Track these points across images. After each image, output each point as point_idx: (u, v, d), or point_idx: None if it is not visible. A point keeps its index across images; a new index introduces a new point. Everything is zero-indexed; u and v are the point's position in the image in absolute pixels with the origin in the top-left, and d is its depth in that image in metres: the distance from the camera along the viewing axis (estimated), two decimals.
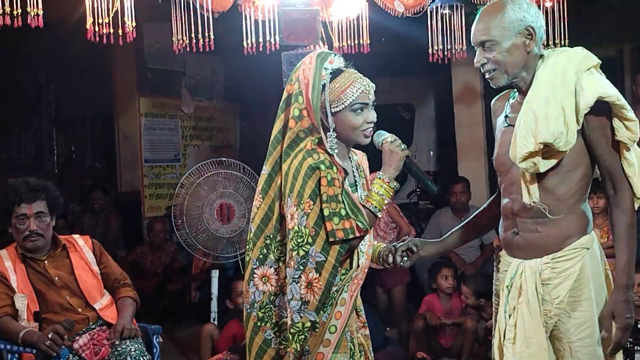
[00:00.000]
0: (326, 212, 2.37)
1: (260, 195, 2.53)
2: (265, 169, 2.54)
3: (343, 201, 2.40)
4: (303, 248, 2.37)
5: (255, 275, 2.52)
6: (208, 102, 8.95)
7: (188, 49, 4.56)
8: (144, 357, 3.53)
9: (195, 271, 6.35)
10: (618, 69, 7.73)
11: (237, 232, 5.10)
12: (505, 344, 2.55)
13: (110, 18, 4.12)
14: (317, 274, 2.38)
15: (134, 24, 4.18)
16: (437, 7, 5.30)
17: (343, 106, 2.48)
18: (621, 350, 2.56)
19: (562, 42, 5.07)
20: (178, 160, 8.45)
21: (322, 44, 5.11)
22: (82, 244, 3.84)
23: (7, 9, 3.61)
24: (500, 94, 2.75)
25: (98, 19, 4.09)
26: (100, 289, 3.77)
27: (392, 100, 9.05)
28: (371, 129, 2.55)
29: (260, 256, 2.51)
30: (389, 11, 5.21)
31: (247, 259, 2.55)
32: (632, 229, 2.48)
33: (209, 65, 8.83)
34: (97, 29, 4.12)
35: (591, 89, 2.42)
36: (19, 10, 3.66)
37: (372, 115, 2.53)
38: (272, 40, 4.78)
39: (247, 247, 2.56)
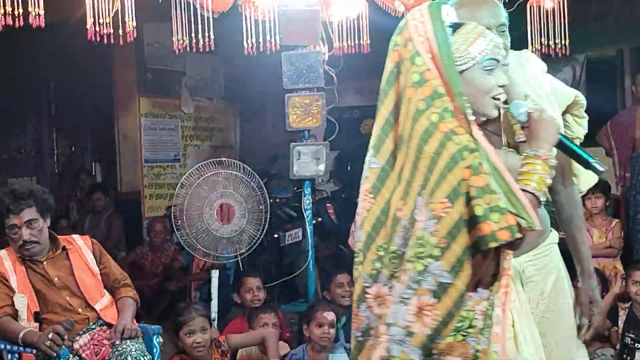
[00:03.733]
0: (479, 212, 1.80)
1: (371, 195, 2.00)
2: (376, 162, 2.00)
3: (499, 187, 1.84)
4: (422, 261, 1.85)
5: (368, 296, 2.00)
6: (208, 102, 8.94)
7: (188, 49, 4.56)
8: (144, 357, 3.53)
9: (196, 271, 6.35)
10: (618, 69, 7.72)
11: (237, 232, 5.09)
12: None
13: (111, 18, 4.12)
14: (435, 299, 1.85)
15: (134, 24, 4.18)
16: None
17: (472, 62, 1.98)
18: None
19: (562, 42, 5.07)
20: (178, 160, 8.45)
21: (322, 44, 5.11)
22: (81, 244, 3.84)
23: (9, 9, 3.61)
24: None
25: (98, 19, 4.09)
26: (100, 289, 3.76)
27: None
28: (502, 96, 2.05)
29: (373, 271, 2.00)
30: (389, 11, 5.21)
31: (356, 275, 2.04)
32: (584, 221, 2.66)
33: (209, 65, 8.82)
34: (97, 29, 4.12)
35: (566, 88, 2.54)
36: (21, 10, 3.65)
37: (503, 77, 2.03)
38: (272, 40, 4.78)
39: (356, 259, 2.04)
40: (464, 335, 1.89)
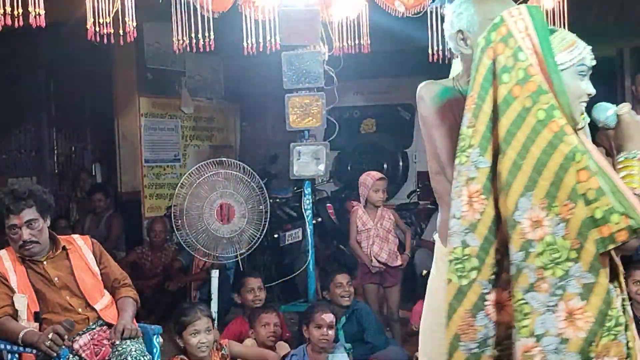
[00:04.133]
0: (599, 215, 1.81)
1: (483, 196, 1.92)
2: (485, 161, 1.92)
3: (607, 186, 1.83)
4: (561, 267, 1.83)
5: (487, 302, 1.93)
6: (208, 102, 8.94)
7: (188, 49, 4.55)
8: (144, 357, 3.53)
9: (196, 271, 6.36)
10: (618, 69, 7.72)
11: (237, 232, 5.09)
12: None
13: (111, 18, 4.12)
14: (584, 302, 1.83)
15: (134, 24, 4.18)
16: (437, 7, 5.30)
17: (569, 64, 1.98)
18: None
19: None
20: (178, 160, 8.45)
21: (322, 44, 5.11)
22: (81, 244, 3.84)
23: (9, 9, 3.60)
24: None
25: (98, 19, 4.09)
26: (101, 289, 3.76)
27: (392, 100, 9.05)
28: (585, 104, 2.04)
29: (492, 276, 1.93)
30: (389, 11, 5.20)
31: (467, 282, 1.94)
32: None
33: (209, 65, 8.83)
34: (97, 29, 4.12)
35: None
36: (21, 10, 3.65)
37: (591, 86, 2.04)
38: (272, 40, 4.78)
39: (458, 265, 1.94)
40: (614, 335, 1.88)
